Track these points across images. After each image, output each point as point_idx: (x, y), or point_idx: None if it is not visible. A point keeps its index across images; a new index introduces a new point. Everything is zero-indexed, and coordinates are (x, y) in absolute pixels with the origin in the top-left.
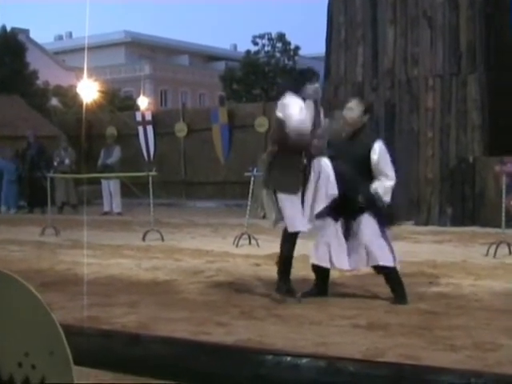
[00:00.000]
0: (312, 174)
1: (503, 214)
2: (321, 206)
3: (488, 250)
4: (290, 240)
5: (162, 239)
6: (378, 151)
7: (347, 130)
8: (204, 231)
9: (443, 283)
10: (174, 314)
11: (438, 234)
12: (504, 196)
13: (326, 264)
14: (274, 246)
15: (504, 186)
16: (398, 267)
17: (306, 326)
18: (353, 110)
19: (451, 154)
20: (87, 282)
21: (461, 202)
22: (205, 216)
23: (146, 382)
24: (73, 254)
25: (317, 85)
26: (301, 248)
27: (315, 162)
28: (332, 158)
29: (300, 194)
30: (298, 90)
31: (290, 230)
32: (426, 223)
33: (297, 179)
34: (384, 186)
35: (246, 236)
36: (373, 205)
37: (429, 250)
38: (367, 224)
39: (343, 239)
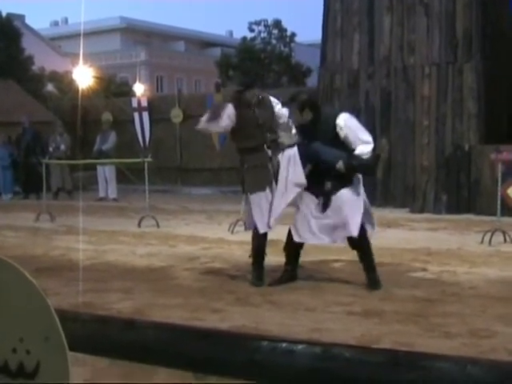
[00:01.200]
0: (281, 166)
1: (498, 202)
2: (291, 195)
3: (483, 238)
4: (259, 238)
5: (158, 225)
6: (343, 124)
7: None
8: (199, 218)
9: (438, 271)
10: (168, 300)
11: (433, 221)
12: (500, 184)
13: (306, 240)
14: (269, 233)
15: (500, 174)
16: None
17: (300, 312)
18: (299, 97)
19: (447, 142)
20: (82, 268)
21: (456, 190)
22: (200, 202)
23: (141, 367)
24: (68, 240)
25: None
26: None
27: (284, 153)
28: (302, 144)
29: (269, 190)
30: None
31: (260, 231)
32: (422, 211)
33: (264, 177)
34: (365, 151)
35: (241, 223)
36: (354, 170)
37: (424, 237)
38: (347, 201)
39: (322, 215)
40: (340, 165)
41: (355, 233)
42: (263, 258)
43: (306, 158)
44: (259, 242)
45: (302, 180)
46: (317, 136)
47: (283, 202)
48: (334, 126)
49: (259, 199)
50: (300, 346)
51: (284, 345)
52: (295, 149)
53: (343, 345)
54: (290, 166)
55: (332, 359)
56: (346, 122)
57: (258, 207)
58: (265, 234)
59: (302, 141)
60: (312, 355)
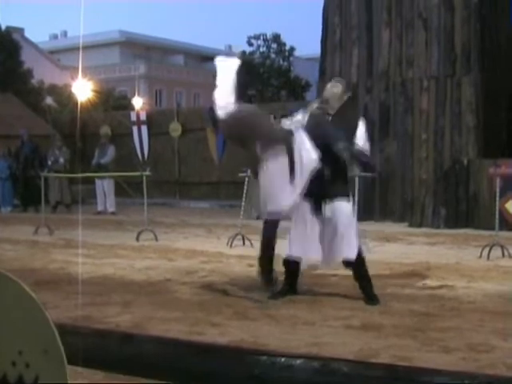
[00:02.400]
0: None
1: (497, 217)
2: (306, 176)
3: (481, 252)
4: (268, 229)
5: (156, 239)
6: (363, 129)
7: (335, 105)
8: (198, 231)
9: (436, 285)
10: (167, 314)
11: (431, 235)
12: (498, 198)
13: (299, 256)
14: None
15: (498, 189)
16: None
17: (299, 326)
18: (338, 86)
19: (445, 156)
20: (81, 282)
21: (455, 204)
22: (199, 216)
23: (140, 381)
24: (66, 254)
25: None
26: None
27: (295, 135)
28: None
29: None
30: None
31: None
32: (420, 225)
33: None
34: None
35: (239, 237)
36: (356, 157)
37: (422, 251)
38: (342, 220)
39: (317, 231)
40: (344, 146)
41: (353, 256)
42: (272, 256)
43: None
44: (269, 234)
45: (315, 159)
46: (339, 125)
47: (300, 183)
48: (357, 124)
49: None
50: (299, 361)
51: (283, 359)
52: (302, 133)
53: (342, 359)
54: (302, 151)
55: (331, 374)
56: (363, 127)
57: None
58: (275, 225)
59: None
60: (311, 370)
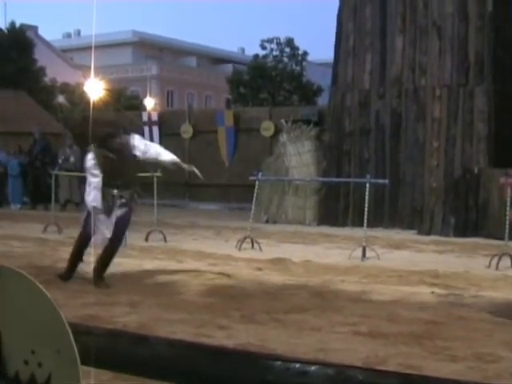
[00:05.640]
0: None
1: (507, 227)
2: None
3: (490, 262)
4: None
5: (165, 240)
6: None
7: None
8: (207, 233)
9: (445, 293)
10: (174, 316)
11: (440, 243)
12: (508, 208)
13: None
14: (276, 251)
15: (509, 199)
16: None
17: (306, 331)
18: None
19: (456, 165)
20: (89, 281)
21: (464, 213)
22: (208, 218)
23: (147, 382)
24: None
25: None
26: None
27: None
28: None
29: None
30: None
31: None
32: (429, 233)
33: None
34: None
35: (248, 240)
36: None
37: (431, 259)
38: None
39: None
40: None
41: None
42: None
43: None
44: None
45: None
46: None
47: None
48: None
49: None
50: (313, 367)
51: (297, 365)
52: None
53: (357, 367)
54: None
55: (345, 381)
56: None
57: None
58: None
59: None
60: (325, 377)
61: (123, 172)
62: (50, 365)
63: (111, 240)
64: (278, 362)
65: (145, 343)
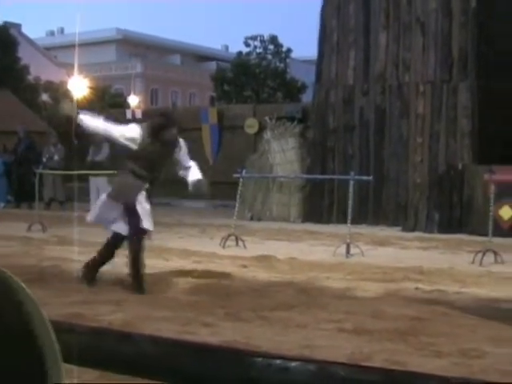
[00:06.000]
0: None
1: (490, 223)
2: None
3: (474, 258)
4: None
5: (150, 238)
6: None
7: None
8: (192, 231)
9: (429, 290)
10: (159, 313)
11: (424, 240)
12: (492, 204)
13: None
14: (261, 248)
15: (492, 195)
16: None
17: (291, 328)
18: None
19: (440, 161)
20: (73, 279)
21: (448, 209)
22: (192, 216)
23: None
24: (59, 251)
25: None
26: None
27: None
28: None
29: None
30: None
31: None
32: (413, 229)
33: None
34: None
35: (233, 237)
36: None
37: (415, 256)
38: None
39: None
40: None
41: None
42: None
43: None
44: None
45: None
46: None
47: None
48: None
49: None
50: (295, 364)
51: (279, 362)
52: None
53: (339, 363)
54: None
55: (327, 378)
56: None
57: None
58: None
59: None
60: (307, 373)
61: (161, 166)
62: None
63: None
64: (260, 359)
65: (129, 341)
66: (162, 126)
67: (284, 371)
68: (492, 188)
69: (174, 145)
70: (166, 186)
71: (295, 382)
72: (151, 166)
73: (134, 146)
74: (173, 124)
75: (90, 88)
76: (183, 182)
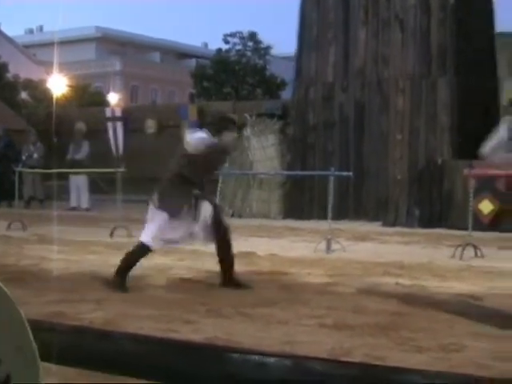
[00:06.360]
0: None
1: (470, 217)
2: None
3: (454, 252)
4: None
5: (130, 236)
6: None
7: None
8: None
9: (409, 284)
10: (141, 311)
11: (405, 235)
12: (471, 199)
13: None
14: (242, 245)
15: (472, 190)
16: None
17: (273, 325)
18: None
19: (420, 156)
20: (54, 278)
21: (428, 204)
22: None
23: (115, 379)
24: (39, 249)
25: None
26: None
27: None
28: None
29: None
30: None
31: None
32: (394, 224)
33: None
34: None
35: None
36: None
37: (395, 250)
38: None
39: None
40: None
41: None
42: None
43: None
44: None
45: None
46: None
47: None
48: None
49: None
50: (272, 359)
51: (256, 357)
52: None
53: (315, 358)
54: None
55: (305, 373)
56: None
57: None
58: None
59: None
60: (284, 368)
61: (214, 170)
62: (9, 363)
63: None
64: (237, 355)
65: (109, 339)
66: (221, 129)
67: (261, 367)
68: (472, 183)
69: (228, 150)
70: (136, 183)
71: (272, 377)
72: (205, 169)
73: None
74: (233, 127)
75: (70, 86)
76: (154, 179)
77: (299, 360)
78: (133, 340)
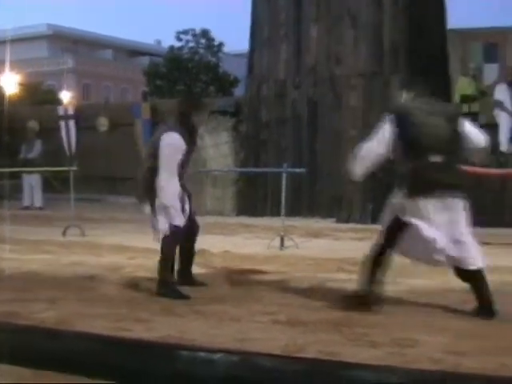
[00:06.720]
0: None
1: None
2: None
3: None
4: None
5: (83, 235)
6: None
7: None
8: (126, 227)
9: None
10: (93, 310)
11: (359, 231)
12: None
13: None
14: (196, 243)
15: None
16: None
17: (226, 322)
18: None
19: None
20: (5, 278)
21: (382, 200)
22: (128, 211)
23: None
24: None
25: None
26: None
27: None
28: None
29: None
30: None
31: None
32: (347, 220)
33: None
34: None
35: None
36: None
37: (350, 246)
38: None
39: None
40: None
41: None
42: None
43: None
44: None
45: None
46: None
47: None
48: None
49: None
50: (219, 355)
51: (203, 354)
52: None
53: (263, 354)
54: None
55: (251, 368)
56: None
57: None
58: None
59: None
60: (231, 364)
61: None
62: None
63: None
64: (185, 352)
65: (60, 338)
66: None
67: (209, 363)
68: None
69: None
70: (90, 182)
71: (220, 373)
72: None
73: None
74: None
75: (21, 85)
76: (107, 177)
77: (247, 356)
78: (83, 339)
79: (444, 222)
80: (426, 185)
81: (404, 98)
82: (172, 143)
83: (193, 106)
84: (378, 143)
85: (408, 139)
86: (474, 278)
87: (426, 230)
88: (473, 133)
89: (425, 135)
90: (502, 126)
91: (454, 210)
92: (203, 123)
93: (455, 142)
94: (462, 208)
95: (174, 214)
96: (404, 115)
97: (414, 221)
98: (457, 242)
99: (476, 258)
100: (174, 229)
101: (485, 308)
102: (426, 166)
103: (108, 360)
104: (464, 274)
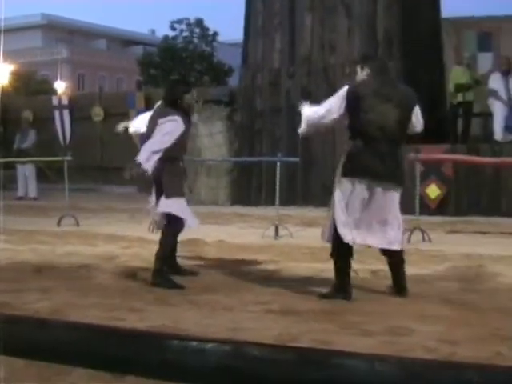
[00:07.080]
0: None
1: (417, 201)
2: None
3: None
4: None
5: (78, 224)
6: None
7: None
8: (120, 216)
9: (356, 268)
10: (87, 300)
11: None
12: (418, 184)
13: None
14: (189, 232)
15: (418, 174)
16: None
17: (219, 311)
18: None
19: None
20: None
21: None
22: (122, 201)
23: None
24: None
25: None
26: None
27: None
28: None
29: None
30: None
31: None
32: None
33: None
34: None
35: None
36: None
37: None
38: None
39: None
40: None
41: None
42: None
43: None
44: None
45: None
46: None
47: None
48: None
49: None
50: (210, 345)
51: (195, 343)
52: None
53: (254, 343)
54: None
55: (242, 357)
56: None
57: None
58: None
59: None
60: (222, 353)
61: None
62: None
63: None
64: (176, 341)
65: (49, 328)
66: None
67: (200, 352)
68: (418, 167)
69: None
70: (84, 171)
71: (211, 362)
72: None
73: None
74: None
75: (15, 75)
76: (102, 167)
77: (238, 345)
78: (70, 328)
79: (367, 207)
80: (357, 168)
81: (359, 75)
82: (174, 119)
83: (182, 89)
84: (325, 111)
85: (353, 121)
86: (391, 257)
87: (342, 209)
88: (415, 120)
89: (369, 122)
90: (496, 115)
91: (381, 197)
92: (194, 104)
93: (400, 131)
94: (391, 196)
95: (179, 207)
96: (355, 97)
97: (337, 199)
98: (380, 224)
99: (393, 241)
100: (176, 221)
101: (396, 286)
102: (364, 149)
103: (98, 350)
104: (384, 253)
